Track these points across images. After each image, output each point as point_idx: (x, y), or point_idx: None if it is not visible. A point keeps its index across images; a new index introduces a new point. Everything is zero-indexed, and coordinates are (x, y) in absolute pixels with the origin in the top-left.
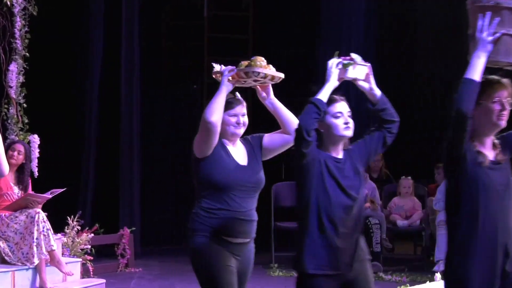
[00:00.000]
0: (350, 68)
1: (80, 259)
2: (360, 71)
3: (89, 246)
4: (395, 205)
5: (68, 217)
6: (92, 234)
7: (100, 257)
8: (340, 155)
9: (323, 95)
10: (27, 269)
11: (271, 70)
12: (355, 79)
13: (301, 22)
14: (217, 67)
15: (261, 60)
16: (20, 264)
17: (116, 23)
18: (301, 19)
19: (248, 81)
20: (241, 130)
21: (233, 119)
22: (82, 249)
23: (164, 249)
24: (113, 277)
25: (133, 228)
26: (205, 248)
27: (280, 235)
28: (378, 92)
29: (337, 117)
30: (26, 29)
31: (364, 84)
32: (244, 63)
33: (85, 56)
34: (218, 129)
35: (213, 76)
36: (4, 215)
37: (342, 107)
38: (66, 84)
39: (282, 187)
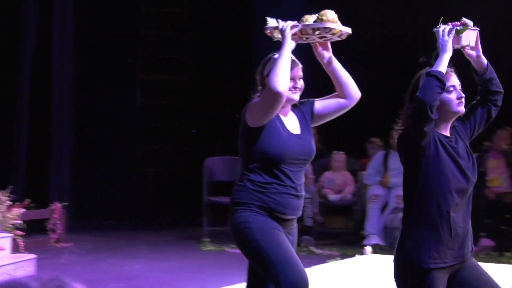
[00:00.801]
0: (464, 34)
1: (11, 234)
2: (471, 36)
3: (20, 221)
4: (327, 179)
5: None
6: (23, 209)
7: (31, 232)
8: (449, 133)
9: (442, 66)
10: None
11: (340, 26)
12: (466, 46)
13: None
14: (272, 22)
15: (332, 15)
16: None
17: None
18: None
19: (311, 37)
20: (297, 96)
21: (289, 83)
22: (12, 224)
23: (95, 224)
24: (44, 252)
25: (65, 203)
26: (254, 220)
27: (212, 210)
28: (485, 60)
29: (450, 92)
30: None
31: (472, 52)
32: (308, 17)
33: (17, 27)
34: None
35: (267, 32)
36: None
37: (454, 80)
38: None
39: (215, 162)
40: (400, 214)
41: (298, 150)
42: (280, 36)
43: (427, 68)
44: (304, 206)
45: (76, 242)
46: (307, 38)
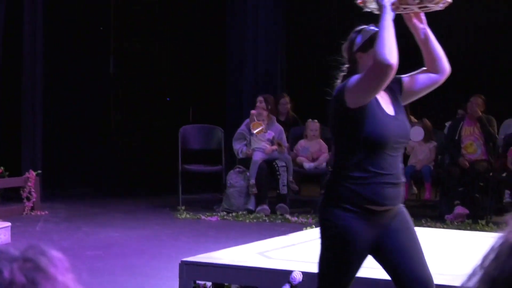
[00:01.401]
0: None
1: None
2: None
3: None
4: (301, 147)
5: None
6: None
7: (5, 200)
8: None
9: None
10: None
11: None
12: None
13: None
14: None
15: None
16: None
17: None
18: None
19: (410, 7)
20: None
21: None
22: None
23: (70, 192)
24: (19, 220)
25: (39, 171)
26: (343, 226)
27: (187, 178)
28: None
29: None
30: None
31: None
32: None
33: None
34: None
35: (357, 2)
36: None
37: None
38: None
39: (190, 130)
40: None
41: (398, 133)
42: (374, 6)
43: None
44: (278, 174)
45: (51, 210)
46: (405, 8)
